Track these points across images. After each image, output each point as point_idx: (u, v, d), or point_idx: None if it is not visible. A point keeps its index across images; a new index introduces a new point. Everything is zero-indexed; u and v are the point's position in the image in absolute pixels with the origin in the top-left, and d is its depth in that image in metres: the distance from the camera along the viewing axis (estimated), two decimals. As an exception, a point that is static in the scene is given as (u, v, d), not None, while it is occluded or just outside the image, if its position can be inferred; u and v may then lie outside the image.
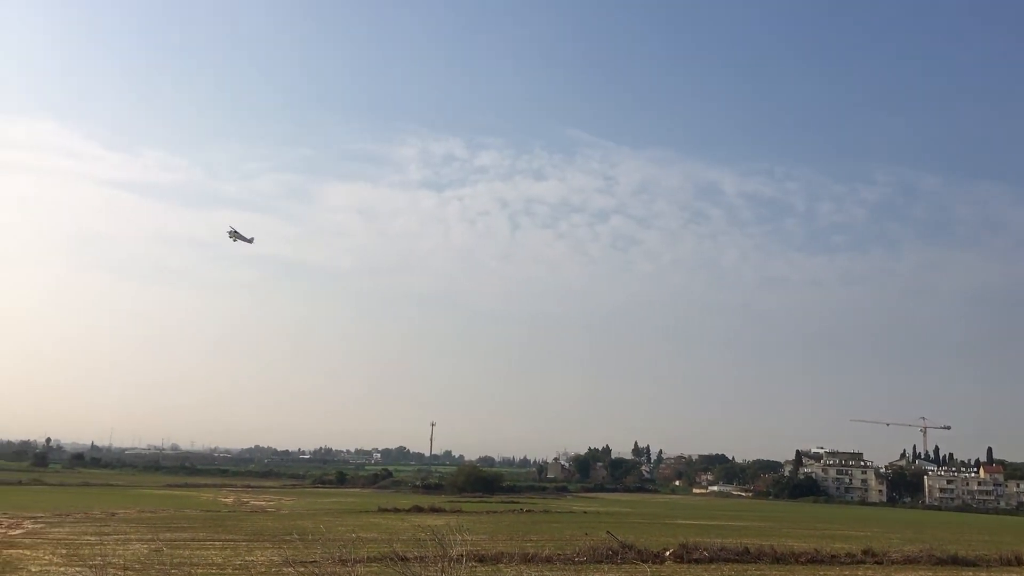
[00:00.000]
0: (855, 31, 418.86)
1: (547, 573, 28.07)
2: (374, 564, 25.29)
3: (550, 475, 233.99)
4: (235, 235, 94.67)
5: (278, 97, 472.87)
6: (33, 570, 25.58)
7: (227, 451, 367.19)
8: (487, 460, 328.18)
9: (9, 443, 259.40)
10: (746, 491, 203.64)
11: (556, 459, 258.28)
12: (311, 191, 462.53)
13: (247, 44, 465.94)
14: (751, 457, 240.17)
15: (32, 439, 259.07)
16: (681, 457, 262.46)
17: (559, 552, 33.76)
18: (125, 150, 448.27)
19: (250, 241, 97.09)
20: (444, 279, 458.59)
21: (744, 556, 35.20)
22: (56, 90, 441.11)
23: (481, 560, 29.15)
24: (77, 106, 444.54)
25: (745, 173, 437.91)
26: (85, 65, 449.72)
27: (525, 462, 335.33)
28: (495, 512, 74.80)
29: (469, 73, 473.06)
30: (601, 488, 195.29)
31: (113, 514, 56.31)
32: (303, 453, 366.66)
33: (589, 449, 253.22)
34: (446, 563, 12.22)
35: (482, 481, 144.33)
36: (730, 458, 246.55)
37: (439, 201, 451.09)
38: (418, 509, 71.60)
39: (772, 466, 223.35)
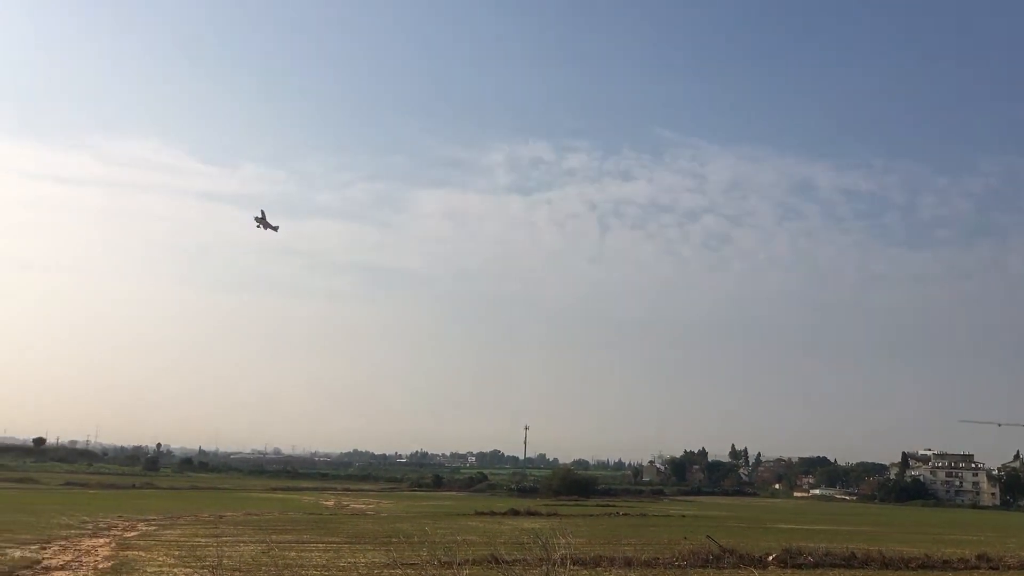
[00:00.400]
0: (950, 14, 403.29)
1: (647, 577, 27.78)
2: (476, 567, 25.44)
3: (645, 478, 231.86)
4: (262, 222, 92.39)
5: (369, 107, 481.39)
6: (149, 571, 26.59)
7: (327, 455, 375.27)
8: (581, 463, 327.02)
9: (123, 448, 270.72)
10: (849, 495, 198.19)
11: (651, 462, 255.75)
12: (402, 198, 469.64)
13: (336, 59, 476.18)
14: (854, 459, 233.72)
15: (144, 445, 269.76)
16: (781, 460, 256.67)
17: (658, 556, 33.43)
18: (224, 164, 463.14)
19: (275, 229, 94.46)
20: (534, 283, 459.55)
21: (851, 561, 34.22)
22: (159, 110, 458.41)
23: (581, 564, 29.07)
24: (179, 124, 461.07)
25: (841, 168, 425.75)
26: (185, 85, 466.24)
27: (620, 465, 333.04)
28: (591, 515, 74.51)
29: (555, 76, 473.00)
30: (698, 491, 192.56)
31: (221, 516, 58.12)
32: (400, 457, 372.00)
33: (685, 452, 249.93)
34: (549, 566, 12.19)
35: (577, 484, 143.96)
36: (832, 460, 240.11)
37: (527, 205, 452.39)
38: (514, 512, 71.81)
39: (877, 468, 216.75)
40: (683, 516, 79.65)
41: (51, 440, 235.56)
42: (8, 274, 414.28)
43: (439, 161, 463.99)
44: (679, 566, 31.39)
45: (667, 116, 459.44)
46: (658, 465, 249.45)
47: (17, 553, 29.95)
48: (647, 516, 78.05)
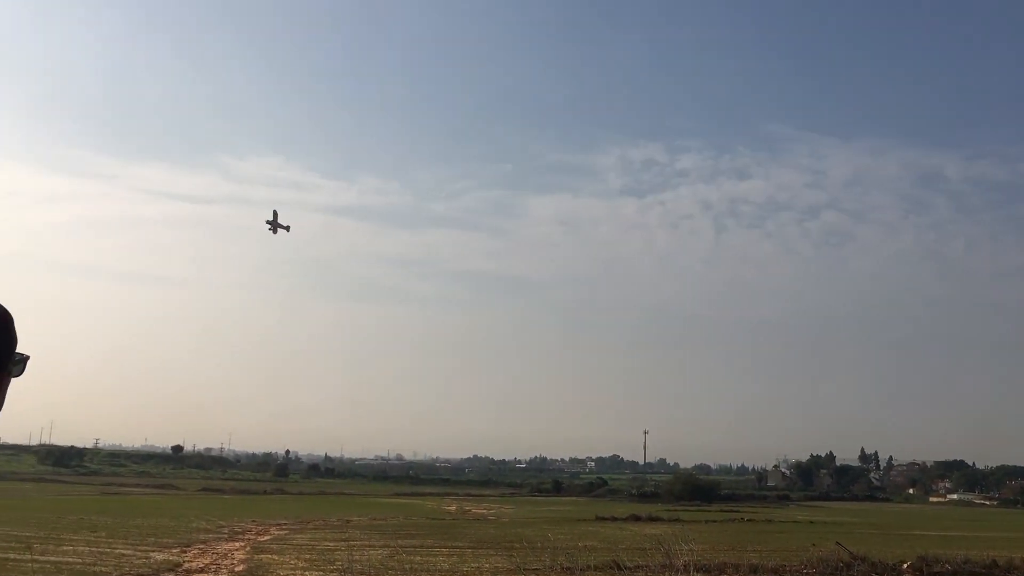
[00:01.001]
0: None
1: (775, 585, 27.14)
2: (598, 572, 25.39)
3: (770, 483, 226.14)
4: (274, 224, 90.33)
5: (479, 115, 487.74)
6: (282, 574, 27.58)
7: (447, 460, 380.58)
8: (703, 467, 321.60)
9: (254, 455, 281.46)
10: (990, 499, 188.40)
11: (776, 466, 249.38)
12: (514, 205, 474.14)
13: (445, 70, 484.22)
14: (994, 462, 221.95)
15: (273, 451, 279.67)
16: (914, 463, 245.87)
17: (785, 563, 32.57)
18: (342, 178, 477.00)
19: (287, 229, 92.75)
20: (648, 286, 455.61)
21: (992, 570, 32.52)
22: (281, 128, 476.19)
23: (704, 570, 28.60)
24: (299, 141, 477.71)
25: (971, 156, 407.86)
26: (304, 103, 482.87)
27: (743, 469, 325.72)
28: (714, 521, 73.22)
29: (665, 76, 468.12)
30: (826, 497, 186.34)
31: (348, 521, 59.66)
32: (519, 462, 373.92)
33: (811, 456, 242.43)
34: (672, 572, 12.09)
35: (699, 489, 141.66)
36: (970, 464, 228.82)
37: (640, 207, 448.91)
38: (635, 518, 71.22)
39: (1020, 472, 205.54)
40: (811, 522, 77.37)
41: (188, 448, 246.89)
42: (150, 291, 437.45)
43: (550, 167, 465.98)
44: (807, 574, 30.52)
45: (781, 111, 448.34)
46: (783, 470, 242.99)
47: (160, 556, 31.51)
48: (773, 522, 76.16)
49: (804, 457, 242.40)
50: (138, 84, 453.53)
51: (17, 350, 2.67)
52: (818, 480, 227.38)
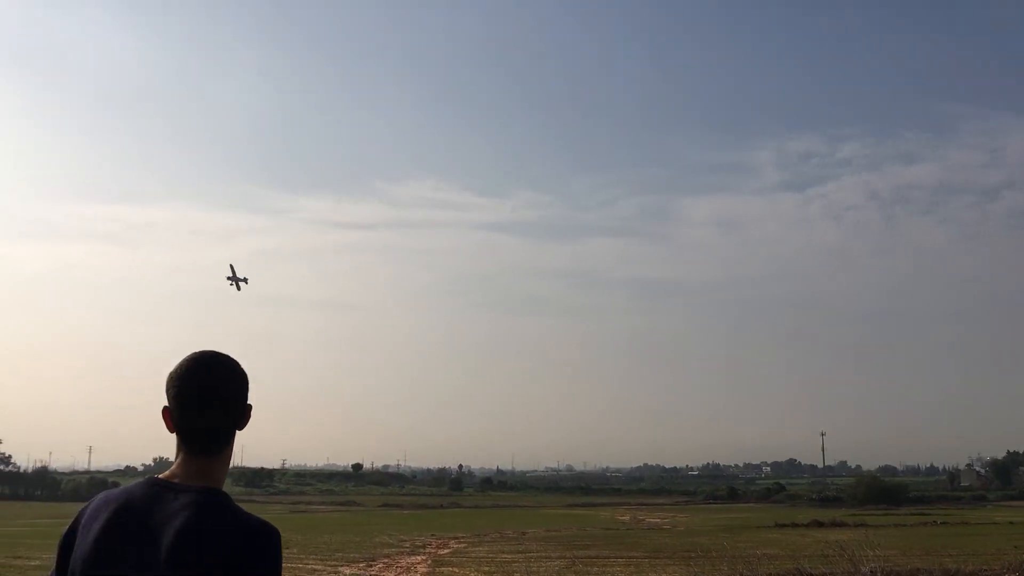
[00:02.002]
0: None
1: (974, 591, 25.58)
2: (780, 580, 24.71)
3: (963, 483, 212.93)
4: (234, 279, 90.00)
5: (629, 121, 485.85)
6: (463, 586, 28.25)
7: (618, 470, 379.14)
8: (888, 469, 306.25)
9: (428, 471, 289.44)
10: None
11: (969, 465, 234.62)
12: (670, 209, 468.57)
13: (588, 77, 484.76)
14: None
15: (447, 466, 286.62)
16: None
17: (984, 567, 30.60)
18: (495, 195, 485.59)
19: (245, 281, 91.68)
20: (813, 282, 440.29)
21: None
22: (433, 152, 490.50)
23: (895, 576, 27.33)
24: (452, 163, 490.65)
25: None
26: (453, 126, 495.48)
27: (932, 470, 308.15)
28: (903, 525, 69.53)
29: (821, 63, 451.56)
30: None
31: (524, 533, 60.25)
32: (691, 469, 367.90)
33: (1008, 452, 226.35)
34: (858, 580, 11.68)
35: (885, 492, 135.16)
36: None
37: (801, 201, 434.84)
38: (817, 523, 68.59)
39: None
40: (1011, 523, 72.21)
41: (367, 465, 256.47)
42: (326, 317, 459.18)
43: (704, 167, 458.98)
44: (1010, 579, 28.58)
45: (948, 88, 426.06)
46: (977, 468, 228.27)
47: (348, 571, 32.89)
48: (968, 524, 71.59)
49: (1000, 454, 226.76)
50: (297, 119, 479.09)
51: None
52: (1017, 478, 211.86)
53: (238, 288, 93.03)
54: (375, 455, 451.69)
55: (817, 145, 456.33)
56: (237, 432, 2.77)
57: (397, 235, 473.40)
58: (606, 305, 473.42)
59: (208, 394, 2.66)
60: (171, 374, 2.71)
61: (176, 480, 2.62)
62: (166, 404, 2.69)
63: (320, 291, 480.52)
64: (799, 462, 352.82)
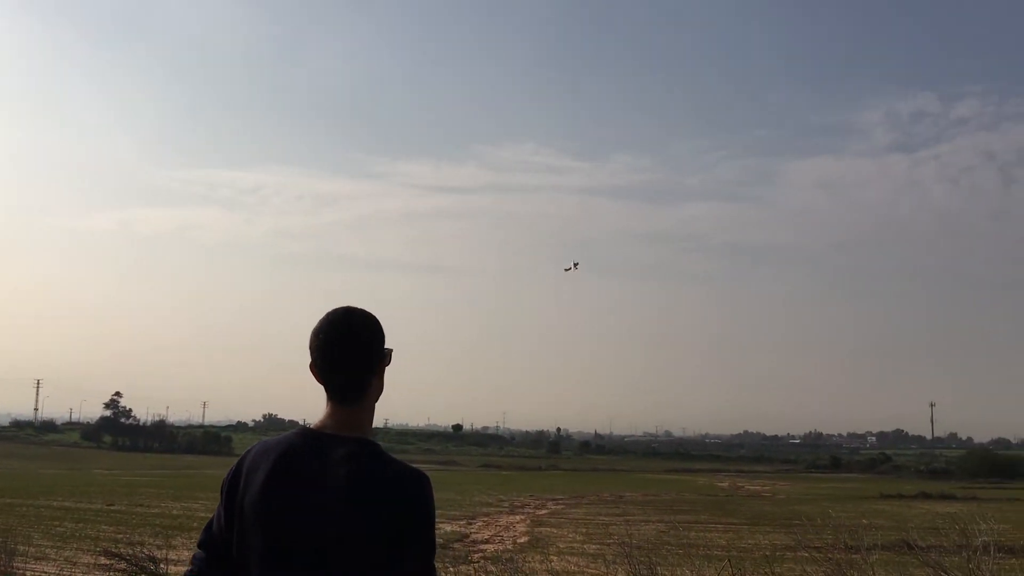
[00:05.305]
0: None
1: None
2: (885, 552, 24.17)
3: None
4: (573, 266, 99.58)
5: (729, 82, 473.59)
6: (561, 546, 28.63)
7: (717, 437, 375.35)
8: (1001, 442, 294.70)
9: (527, 433, 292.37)
10: None
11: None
12: (771, 172, 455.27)
13: (688, 38, 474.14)
14: None
15: (545, 429, 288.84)
16: None
17: (1106, 546, 29.33)
18: (593, 158, 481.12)
19: (576, 266, 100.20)
20: (927, 248, 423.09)
21: None
22: (530, 115, 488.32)
23: (1009, 552, 26.44)
24: (549, 126, 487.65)
25: None
26: (550, 88, 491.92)
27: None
28: (1018, 500, 66.95)
29: (936, 15, 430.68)
30: None
31: (621, 496, 60.47)
32: (792, 438, 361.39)
33: None
34: (969, 553, 11.39)
35: (998, 465, 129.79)
36: None
37: (912, 163, 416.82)
38: (925, 495, 66.67)
39: None
40: None
41: (466, 426, 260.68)
42: (432, 281, 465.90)
43: (808, 128, 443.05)
44: None
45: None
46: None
47: (449, 528, 33.67)
48: (1088, 501, 68.54)
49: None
50: (395, 84, 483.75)
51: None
52: None
53: (575, 268, 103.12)
54: (475, 416, 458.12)
55: (930, 104, 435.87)
56: (383, 385, 3.01)
57: (496, 199, 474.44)
58: (707, 271, 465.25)
59: (349, 343, 2.90)
60: (314, 330, 2.92)
61: (328, 431, 2.82)
62: (311, 360, 2.89)
63: (420, 254, 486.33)
64: (906, 433, 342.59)
